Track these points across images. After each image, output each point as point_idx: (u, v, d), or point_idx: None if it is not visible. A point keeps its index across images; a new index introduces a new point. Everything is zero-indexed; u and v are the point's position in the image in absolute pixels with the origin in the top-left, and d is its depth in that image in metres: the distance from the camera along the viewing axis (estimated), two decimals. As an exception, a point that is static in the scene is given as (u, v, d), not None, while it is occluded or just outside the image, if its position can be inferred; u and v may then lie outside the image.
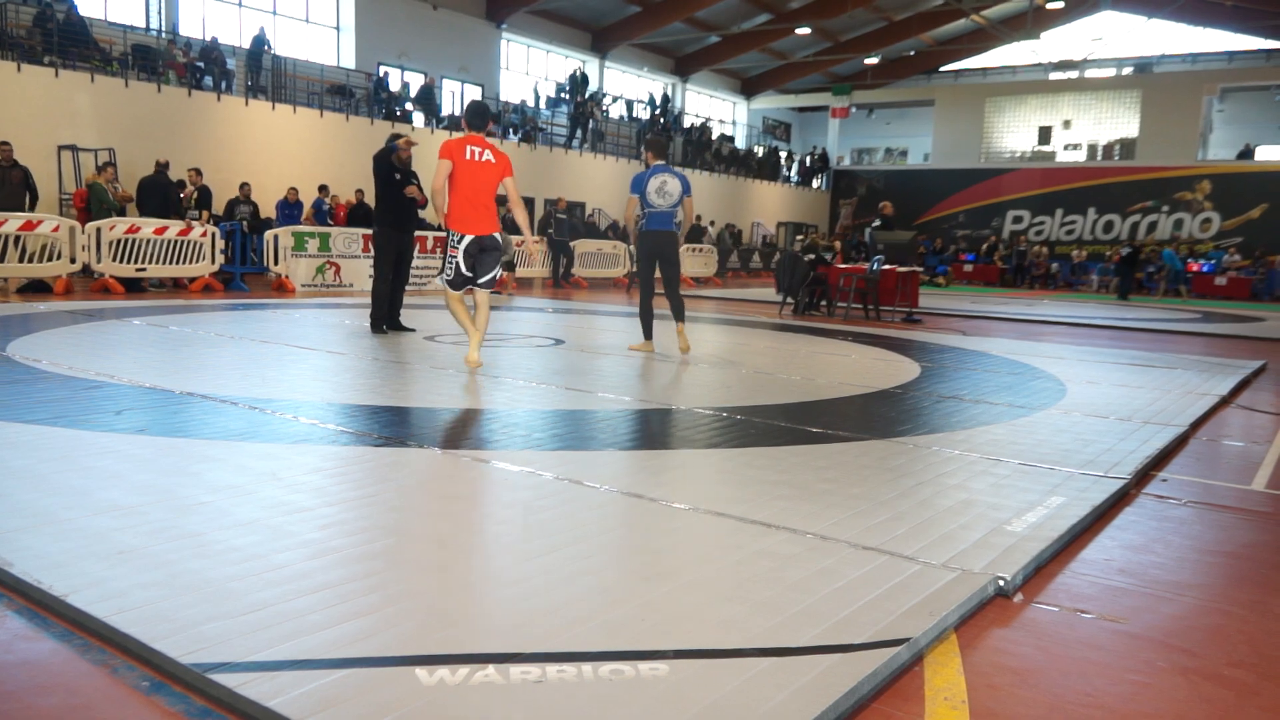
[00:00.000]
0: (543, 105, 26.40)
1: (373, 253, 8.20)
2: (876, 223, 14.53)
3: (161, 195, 13.11)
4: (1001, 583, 2.76)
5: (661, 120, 30.28)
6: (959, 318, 13.54)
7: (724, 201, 30.78)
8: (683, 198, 7.09)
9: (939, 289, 22.66)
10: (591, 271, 19.39)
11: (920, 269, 14.45)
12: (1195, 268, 25.29)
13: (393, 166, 7.89)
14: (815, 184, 37.09)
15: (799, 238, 29.45)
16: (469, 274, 6.06)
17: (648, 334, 7.41)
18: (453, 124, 22.56)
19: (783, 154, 36.19)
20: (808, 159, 36.84)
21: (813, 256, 13.65)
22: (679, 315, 7.34)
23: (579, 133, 25.88)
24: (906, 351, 8.57)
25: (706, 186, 30.44)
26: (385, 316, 8.04)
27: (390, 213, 7.92)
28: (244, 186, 15.06)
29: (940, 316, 13.54)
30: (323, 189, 17.19)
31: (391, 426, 4.42)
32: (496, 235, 6.03)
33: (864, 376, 6.70)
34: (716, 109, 35.98)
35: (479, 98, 24.84)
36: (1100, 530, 3.36)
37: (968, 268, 28.58)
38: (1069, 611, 2.67)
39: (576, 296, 15.07)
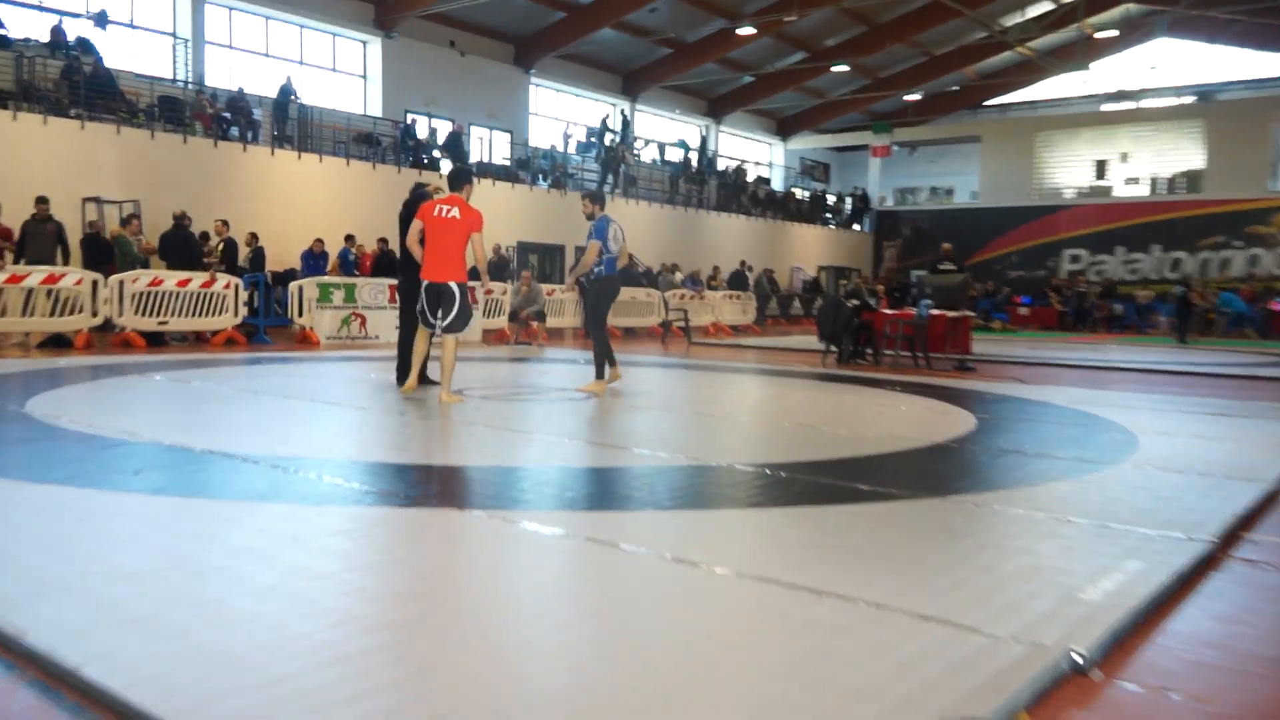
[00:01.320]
0: (572, 150, 26.82)
1: (398, 303, 8.31)
2: (946, 265, 14.54)
3: (183, 246, 13.43)
4: (1077, 658, 2.65)
5: (695, 164, 30.61)
6: (1016, 364, 13.37)
7: (762, 246, 30.91)
8: (623, 244, 8.24)
9: (993, 334, 22.43)
10: (625, 320, 19.48)
11: (972, 313, 14.31)
12: (1277, 306, 24.64)
13: None
14: (857, 226, 37.16)
15: (842, 282, 29.44)
16: (430, 317, 7.13)
17: (602, 374, 8.26)
18: (480, 171, 22.98)
19: (830, 198, 36.36)
20: (849, 200, 36.97)
21: (857, 302, 13.59)
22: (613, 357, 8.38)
23: (610, 177, 26.23)
24: (960, 402, 8.47)
25: (743, 231, 30.61)
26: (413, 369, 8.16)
27: (416, 262, 8.04)
28: (252, 237, 15.39)
29: (995, 364, 13.38)
30: (349, 239, 17.52)
31: (418, 486, 4.42)
32: (451, 284, 7.00)
33: (915, 429, 6.63)
34: (752, 150, 36.34)
35: (510, 140, 25.40)
36: (1185, 599, 3.23)
37: (1023, 310, 28.28)
38: (1153, 691, 2.55)
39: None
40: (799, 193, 36.34)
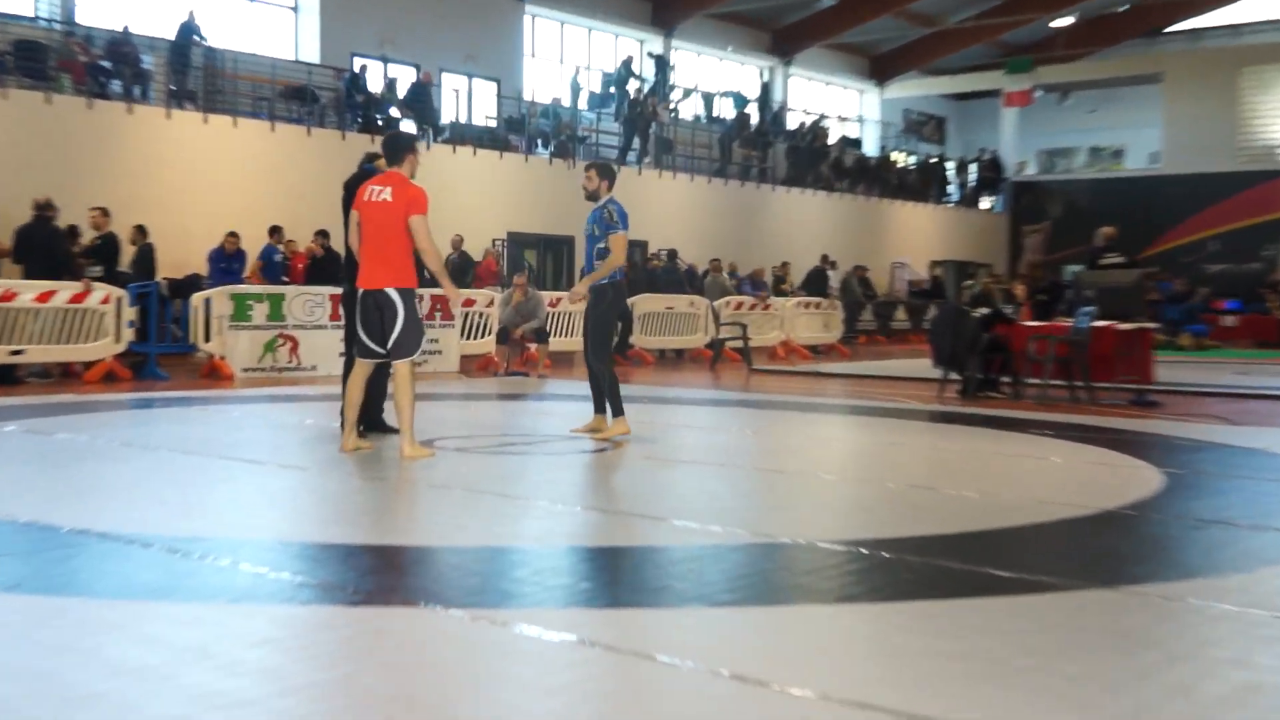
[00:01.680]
0: (584, 104, 27.12)
1: (343, 320, 8.41)
2: (1112, 256, 14.49)
3: (45, 247, 13.67)
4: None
5: (755, 121, 30.83)
6: (1219, 396, 13.24)
7: (850, 234, 31.05)
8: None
9: (1183, 353, 22.20)
10: (659, 340, 19.57)
11: (1153, 325, 14.20)
12: None
13: None
14: (985, 203, 37.09)
15: (965, 283, 29.36)
16: (369, 342, 7.38)
17: (621, 409, 8.49)
18: (456, 135, 23.25)
19: (948, 165, 36.36)
20: (973, 167, 36.98)
21: (987, 311, 13.53)
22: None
23: (636, 142, 26.46)
24: (1139, 451, 8.42)
25: (824, 213, 30.73)
26: (363, 412, 8.21)
27: None
28: (139, 231, 15.49)
29: (1189, 396, 13.26)
30: (275, 232, 17.77)
31: (374, 575, 4.44)
32: (389, 291, 7.21)
33: (1075, 491, 6.60)
34: (834, 101, 36.55)
35: (497, 93, 25.67)
36: None
37: (1228, 320, 27.95)
38: None
39: (638, 377, 15.18)
40: (901, 158, 36.43)
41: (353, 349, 7.98)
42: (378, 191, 7.31)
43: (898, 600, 4.15)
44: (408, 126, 22.76)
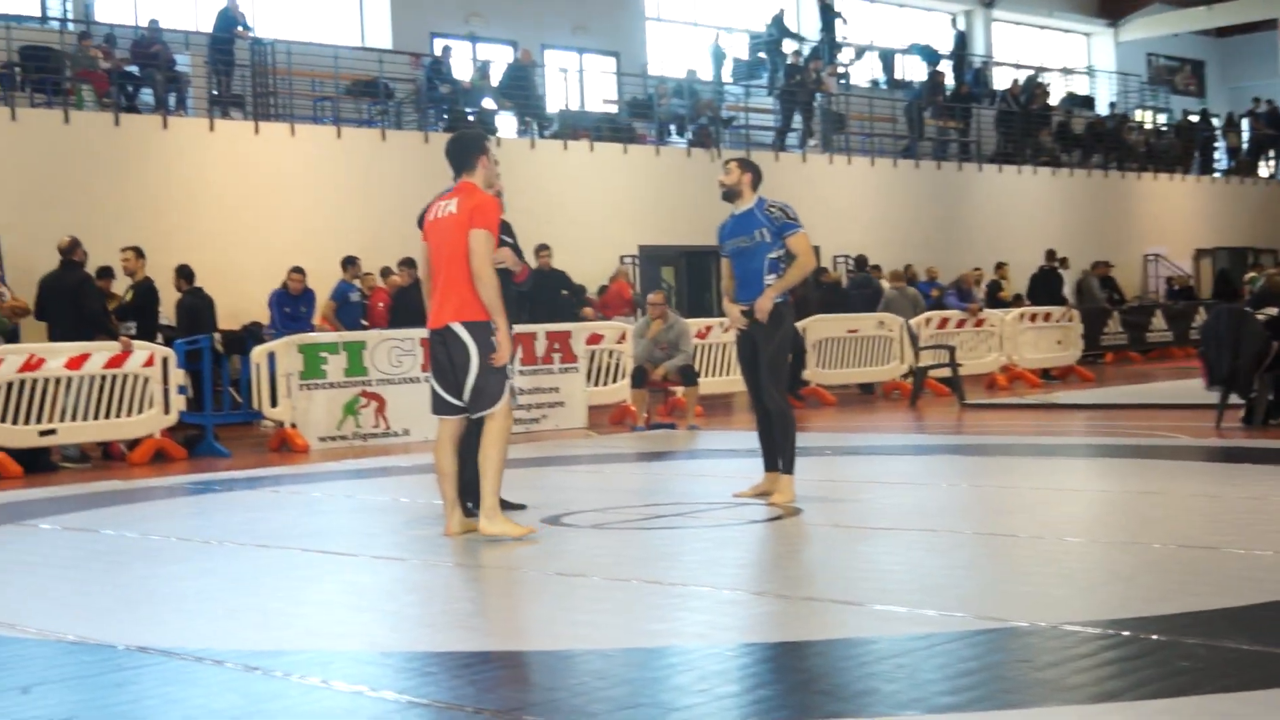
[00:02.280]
0: (727, 76, 27.24)
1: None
2: None
3: (72, 300, 14.07)
4: None
5: (951, 81, 30.55)
6: None
7: (1085, 221, 30.53)
8: None
9: None
10: (841, 373, 19.40)
11: None
12: None
13: None
14: (1265, 171, 36.05)
15: (1246, 277, 28.61)
16: (444, 394, 7.46)
17: (792, 466, 8.61)
18: (567, 127, 23.47)
19: (1215, 121, 35.40)
20: (1245, 123, 35.99)
21: (1276, 312, 13.20)
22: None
23: (798, 120, 26.47)
24: None
25: (1048, 195, 30.27)
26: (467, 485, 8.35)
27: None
28: (184, 271, 15.83)
29: None
30: (349, 264, 18.03)
31: (497, 690, 4.51)
32: (455, 327, 7.28)
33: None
34: (1054, 49, 36.04)
35: (616, 70, 25.87)
36: None
37: None
38: None
39: (816, 422, 15.12)
40: (1148, 118, 35.66)
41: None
42: (443, 207, 7.50)
43: (1173, 696, 4.09)
44: (506, 120, 23.07)
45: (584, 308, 17.90)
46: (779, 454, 8.57)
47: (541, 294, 16.54)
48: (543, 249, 17.69)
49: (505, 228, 8.34)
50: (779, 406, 8.55)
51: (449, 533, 7.57)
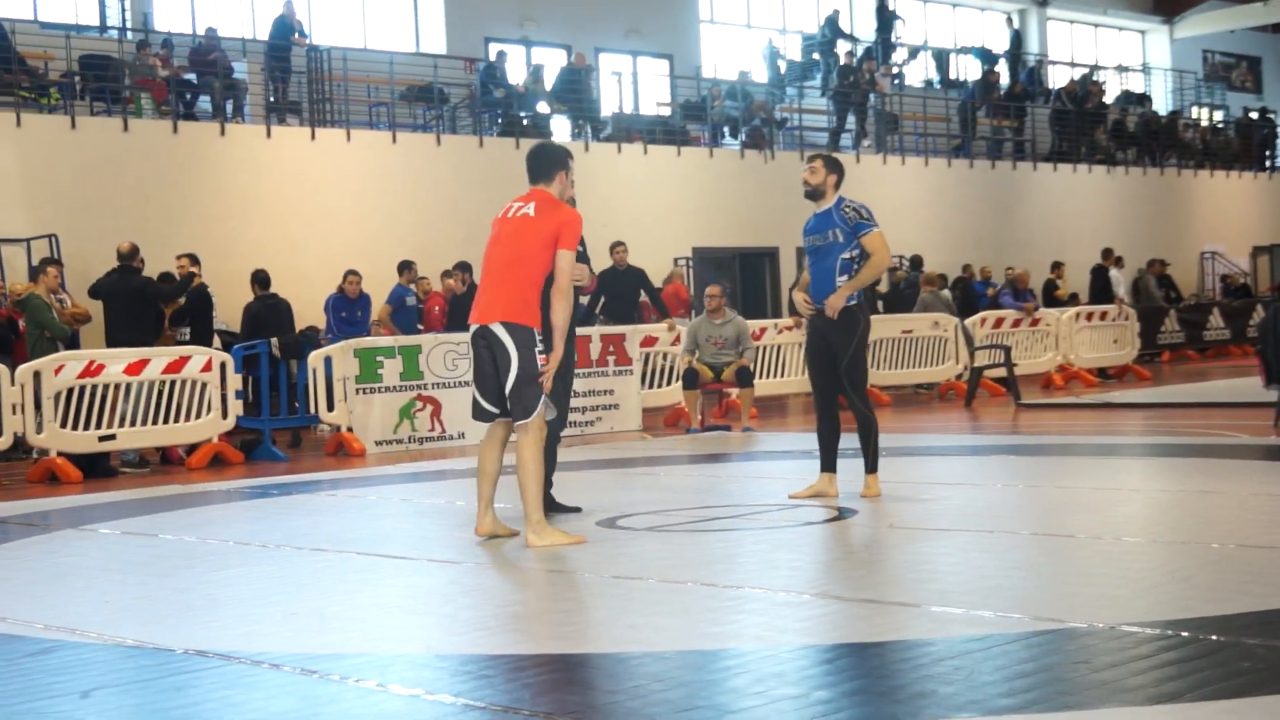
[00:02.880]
0: (782, 70, 27.15)
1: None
2: None
3: (134, 304, 14.27)
4: None
5: (1005, 79, 30.39)
6: None
7: (1141, 219, 30.35)
8: None
9: None
10: (896, 374, 19.36)
11: None
12: None
13: None
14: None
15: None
16: (479, 397, 7.48)
17: (876, 465, 8.85)
18: (621, 130, 23.51)
19: (1275, 118, 35.07)
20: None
21: (1335, 308, 13.08)
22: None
23: (851, 121, 26.40)
24: None
25: (1103, 194, 30.08)
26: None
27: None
28: (258, 276, 15.84)
29: None
30: (405, 269, 18.13)
31: (553, 693, 4.52)
32: (497, 328, 7.26)
33: None
34: (1109, 47, 35.78)
35: (670, 73, 25.89)
36: None
37: None
38: None
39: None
40: (1204, 115, 35.34)
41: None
42: (517, 209, 7.51)
43: (1233, 697, 4.04)
44: (560, 124, 23.11)
45: (664, 316, 17.65)
46: (863, 453, 8.65)
47: (612, 290, 16.54)
48: (618, 245, 17.65)
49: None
50: (861, 411, 8.62)
51: (478, 532, 7.63)
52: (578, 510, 8.54)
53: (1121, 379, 21.56)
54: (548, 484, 8.42)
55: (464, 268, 17.39)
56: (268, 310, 15.42)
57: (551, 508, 8.45)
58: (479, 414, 7.55)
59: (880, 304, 20.20)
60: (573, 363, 8.61)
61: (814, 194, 8.64)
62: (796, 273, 23.73)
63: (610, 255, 17.33)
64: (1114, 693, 4.21)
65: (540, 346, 7.29)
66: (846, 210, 8.54)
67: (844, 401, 8.75)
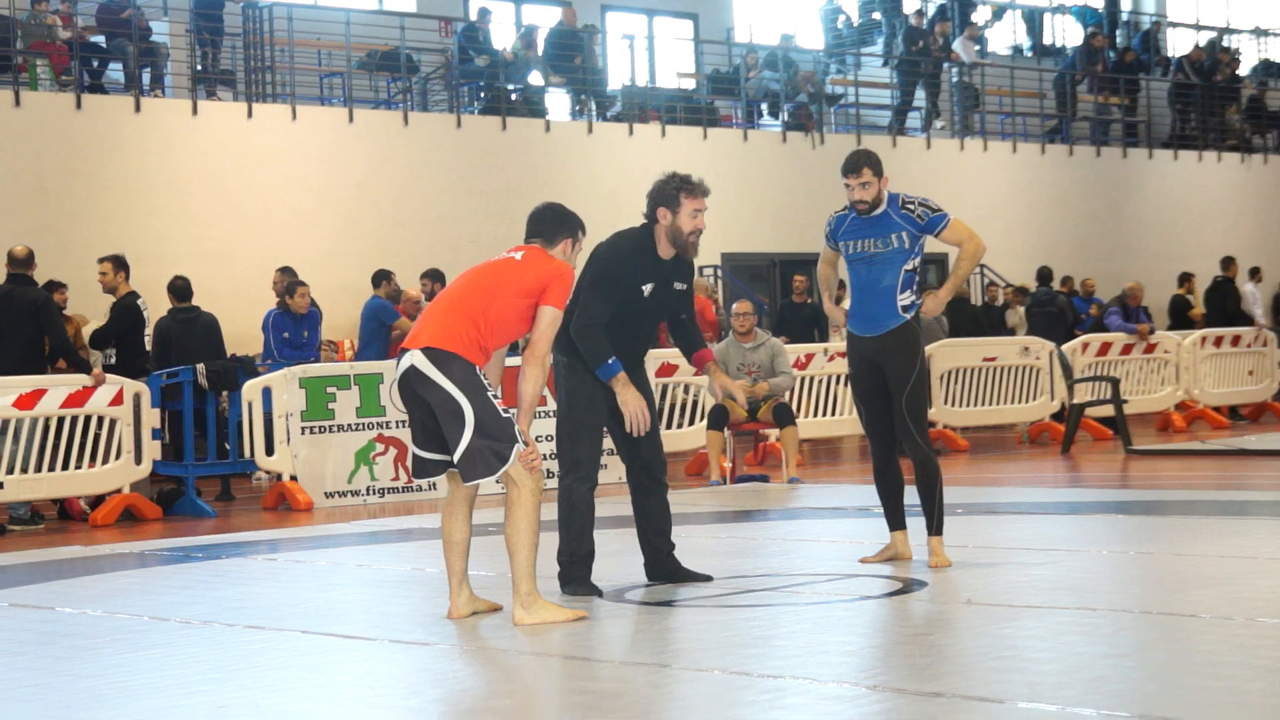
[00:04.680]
0: (841, 31, 27.12)
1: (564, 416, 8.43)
2: None
3: (28, 324, 14.10)
4: None
5: (1107, 51, 30.36)
6: None
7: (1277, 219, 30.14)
8: None
9: None
10: (973, 413, 19.29)
11: None
12: None
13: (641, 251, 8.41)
14: None
15: None
16: (417, 449, 7.55)
17: (940, 527, 8.87)
18: (632, 106, 23.49)
19: None
20: None
21: None
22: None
23: (921, 97, 26.39)
24: None
25: (1235, 185, 29.98)
26: (652, 554, 8.50)
27: (623, 333, 8.32)
28: (176, 285, 15.76)
29: None
30: (384, 279, 17.81)
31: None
32: (418, 357, 7.28)
33: None
34: (1242, 6, 35.77)
35: (694, 36, 25.88)
36: None
37: None
38: None
39: (947, 471, 15.00)
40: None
41: (585, 440, 8.18)
42: (505, 253, 7.76)
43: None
44: (557, 100, 23.09)
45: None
46: (924, 510, 8.68)
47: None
48: None
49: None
50: (922, 454, 8.64)
51: (452, 615, 7.62)
52: (708, 579, 8.55)
53: (1257, 420, 21.49)
54: (666, 542, 8.49)
55: (434, 276, 17.39)
56: (181, 328, 15.34)
57: (673, 575, 8.44)
58: (418, 469, 7.61)
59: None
60: (652, 395, 8.76)
61: (872, 208, 8.61)
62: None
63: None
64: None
65: (490, 387, 7.30)
66: (909, 208, 8.54)
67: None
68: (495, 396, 7.27)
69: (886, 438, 8.81)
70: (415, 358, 7.29)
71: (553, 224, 7.77)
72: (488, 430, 7.15)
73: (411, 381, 7.34)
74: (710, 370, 8.74)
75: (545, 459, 7.57)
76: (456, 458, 7.23)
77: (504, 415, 7.23)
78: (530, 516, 7.34)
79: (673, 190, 8.37)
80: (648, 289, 8.34)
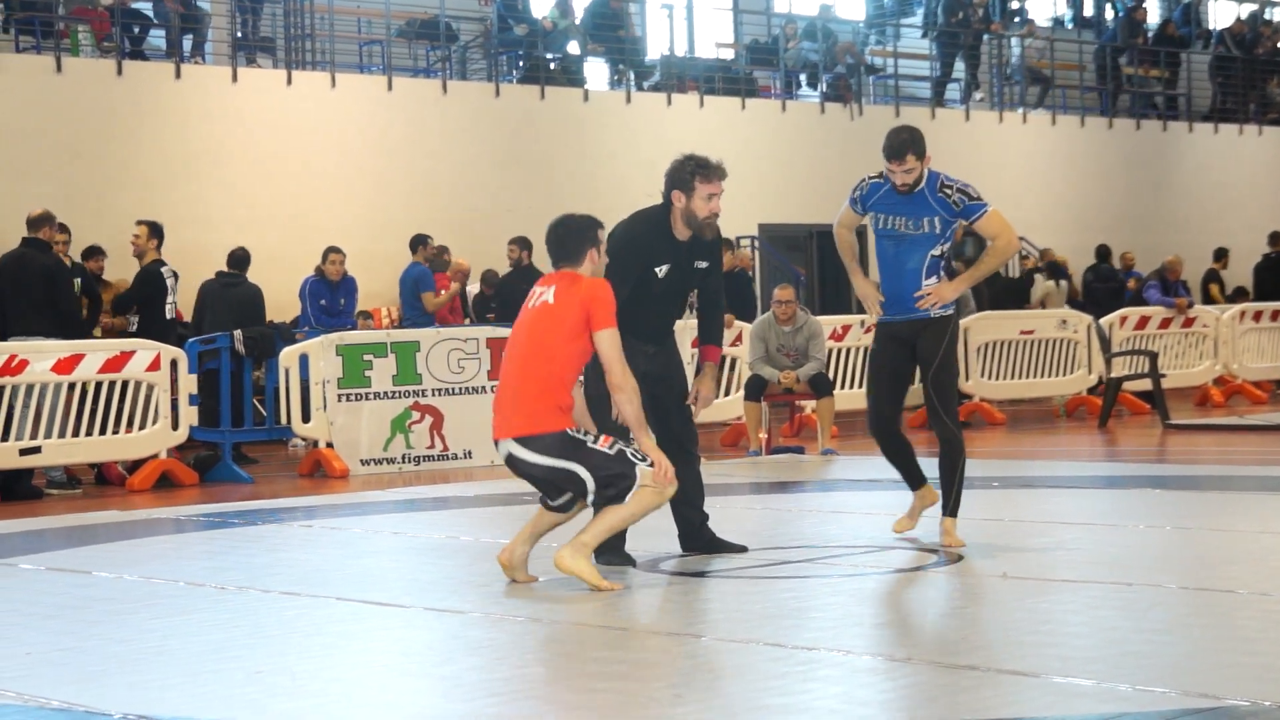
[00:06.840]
0: (881, 2, 27.00)
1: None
2: None
3: (35, 287, 13.82)
4: None
5: (1154, 20, 30.19)
6: None
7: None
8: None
9: None
10: (1009, 386, 19.23)
11: None
12: None
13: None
14: None
15: None
16: (552, 509, 7.71)
17: (957, 506, 8.67)
18: (670, 76, 23.42)
19: None
20: None
21: None
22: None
23: (961, 69, 26.27)
24: None
25: (1274, 160, 29.82)
26: (685, 525, 8.52)
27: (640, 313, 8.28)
28: (237, 255, 15.84)
29: None
30: (421, 244, 17.82)
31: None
32: (512, 445, 7.40)
33: None
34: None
35: (733, 6, 25.81)
36: None
37: None
38: None
39: (980, 446, 15.02)
40: None
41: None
42: (537, 296, 7.65)
43: None
44: (596, 69, 23.04)
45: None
46: (942, 488, 8.58)
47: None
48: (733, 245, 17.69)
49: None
50: (948, 432, 8.55)
51: (501, 558, 7.75)
52: (743, 549, 8.56)
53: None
54: (699, 514, 8.50)
55: (523, 244, 17.19)
56: (221, 291, 15.33)
57: (707, 546, 8.46)
58: (547, 504, 7.78)
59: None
60: (683, 368, 8.84)
61: (913, 187, 8.45)
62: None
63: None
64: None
65: (587, 434, 7.43)
66: (946, 192, 8.34)
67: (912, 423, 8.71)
68: (595, 440, 7.38)
69: (890, 418, 8.75)
70: (512, 448, 7.45)
71: (571, 242, 7.70)
72: (608, 480, 7.32)
73: (518, 466, 7.51)
74: (703, 371, 8.64)
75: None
76: (592, 504, 7.47)
77: (612, 452, 7.35)
78: (641, 505, 7.39)
79: (688, 174, 8.39)
80: (662, 271, 8.30)
